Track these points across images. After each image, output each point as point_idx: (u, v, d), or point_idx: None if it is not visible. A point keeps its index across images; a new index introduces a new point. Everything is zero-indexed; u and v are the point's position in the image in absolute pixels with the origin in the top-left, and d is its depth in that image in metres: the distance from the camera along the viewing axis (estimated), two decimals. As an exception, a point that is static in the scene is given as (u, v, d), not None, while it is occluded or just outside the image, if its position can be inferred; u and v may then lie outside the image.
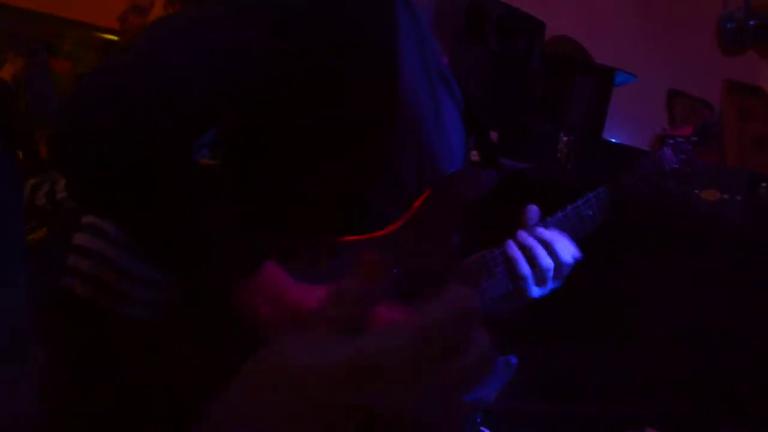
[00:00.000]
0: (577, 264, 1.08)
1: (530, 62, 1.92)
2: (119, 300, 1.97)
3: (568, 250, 1.05)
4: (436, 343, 0.37)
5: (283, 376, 0.38)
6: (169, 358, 0.89)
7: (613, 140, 2.40)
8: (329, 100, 0.88)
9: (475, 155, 1.21)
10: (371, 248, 0.91)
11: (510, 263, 1.03)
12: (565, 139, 1.96)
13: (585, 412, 2.07)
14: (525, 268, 1.02)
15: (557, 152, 1.95)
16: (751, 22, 2.03)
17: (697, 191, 1.35)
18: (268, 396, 0.38)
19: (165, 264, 0.87)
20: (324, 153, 0.90)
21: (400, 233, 0.94)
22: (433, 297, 0.39)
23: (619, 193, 1.15)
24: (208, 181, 0.84)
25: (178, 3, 2.13)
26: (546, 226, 1.07)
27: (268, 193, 0.92)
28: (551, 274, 1.03)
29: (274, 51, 0.84)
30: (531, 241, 1.03)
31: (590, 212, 1.12)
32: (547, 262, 1.02)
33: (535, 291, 1.05)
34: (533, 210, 1.09)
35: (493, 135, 1.85)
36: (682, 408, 2.04)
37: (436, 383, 0.37)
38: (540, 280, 1.04)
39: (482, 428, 1.31)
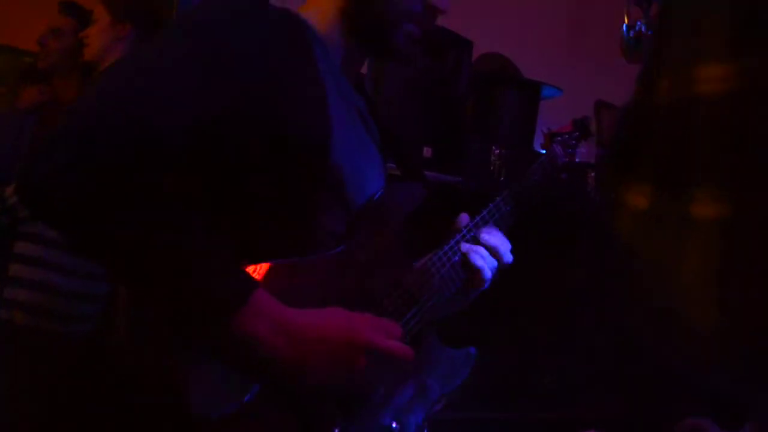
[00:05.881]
0: (516, 270, 1.18)
1: (459, 79, 1.98)
2: (63, 321, 1.94)
3: (503, 245, 1.16)
4: None
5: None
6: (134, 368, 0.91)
7: (545, 152, 2.49)
8: (273, 135, 0.92)
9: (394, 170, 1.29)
10: (331, 265, 0.97)
11: (463, 259, 1.13)
12: (497, 152, 2.03)
13: (531, 418, 2.12)
14: (479, 261, 1.12)
15: (490, 165, 2.02)
16: (650, 32, 2.18)
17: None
18: None
19: (155, 300, 0.87)
20: (275, 182, 0.94)
21: (352, 249, 1.01)
22: None
23: (526, 188, 1.28)
24: (190, 211, 0.86)
25: (126, 23, 2.11)
26: (477, 226, 1.18)
27: (220, 223, 0.94)
28: (489, 273, 1.15)
29: (223, 94, 0.88)
30: (471, 245, 1.15)
31: (508, 207, 1.24)
32: (490, 260, 1.14)
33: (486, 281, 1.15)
34: (464, 217, 1.19)
35: (427, 151, 1.90)
36: (625, 410, 2.11)
37: None
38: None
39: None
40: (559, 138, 1.42)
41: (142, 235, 0.80)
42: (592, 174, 1.95)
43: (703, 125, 0.47)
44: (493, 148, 2.02)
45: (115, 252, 0.82)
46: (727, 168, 0.46)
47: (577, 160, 1.40)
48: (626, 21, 2.19)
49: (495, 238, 1.16)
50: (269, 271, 0.91)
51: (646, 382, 2.03)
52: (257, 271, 0.91)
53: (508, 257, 1.16)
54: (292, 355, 0.84)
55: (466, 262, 1.14)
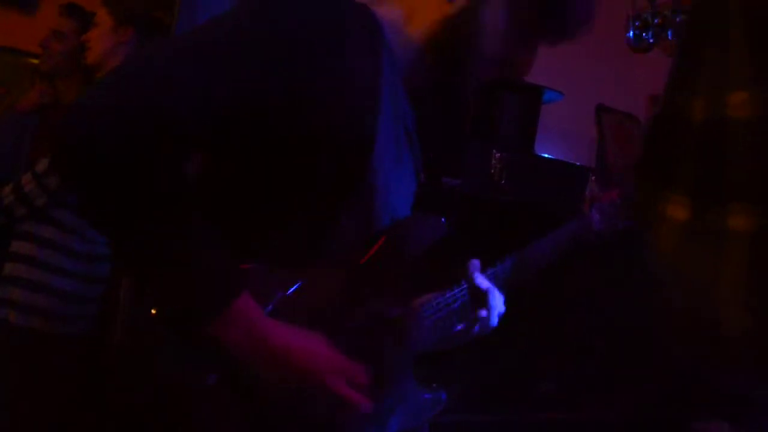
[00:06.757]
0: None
1: (462, 83, 1.98)
2: (58, 321, 1.94)
3: (499, 301, 1.16)
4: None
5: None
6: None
7: (545, 155, 2.49)
8: (315, 128, 0.90)
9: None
10: (342, 277, 0.97)
11: (468, 302, 1.13)
12: (498, 155, 2.02)
13: (529, 419, 2.12)
14: (481, 311, 1.13)
15: (491, 168, 2.01)
16: (656, 21, 2.19)
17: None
18: None
19: (145, 282, 0.88)
20: (304, 178, 0.92)
21: (364, 270, 0.99)
22: None
23: (556, 248, 1.28)
24: (197, 209, 0.85)
25: (127, 27, 2.13)
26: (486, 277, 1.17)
27: (239, 221, 0.93)
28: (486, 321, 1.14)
29: (269, 77, 0.86)
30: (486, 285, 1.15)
31: (530, 263, 1.24)
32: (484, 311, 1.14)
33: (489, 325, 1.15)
34: (475, 263, 1.18)
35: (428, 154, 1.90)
36: (626, 410, 2.11)
37: None
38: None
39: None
40: (598, 205, 1.40)
41: (143, 222, 0.80)
42: (593, 178, 1.95)
43: (734, 145, 0.49)
44: (494, 151, 2.02)
45: (122, 234, 0.83)
46: (757, 184, 0.48)
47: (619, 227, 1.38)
48: (632, 11, 2.20)
49: (495, 299, 1.15)
50: (277, 273, 0.91)
51: (647, 383, 2.03)
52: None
53: (494, 321, 1.15)
54: (260, 367, 0.86)
55: (483, 300, 1.13)
